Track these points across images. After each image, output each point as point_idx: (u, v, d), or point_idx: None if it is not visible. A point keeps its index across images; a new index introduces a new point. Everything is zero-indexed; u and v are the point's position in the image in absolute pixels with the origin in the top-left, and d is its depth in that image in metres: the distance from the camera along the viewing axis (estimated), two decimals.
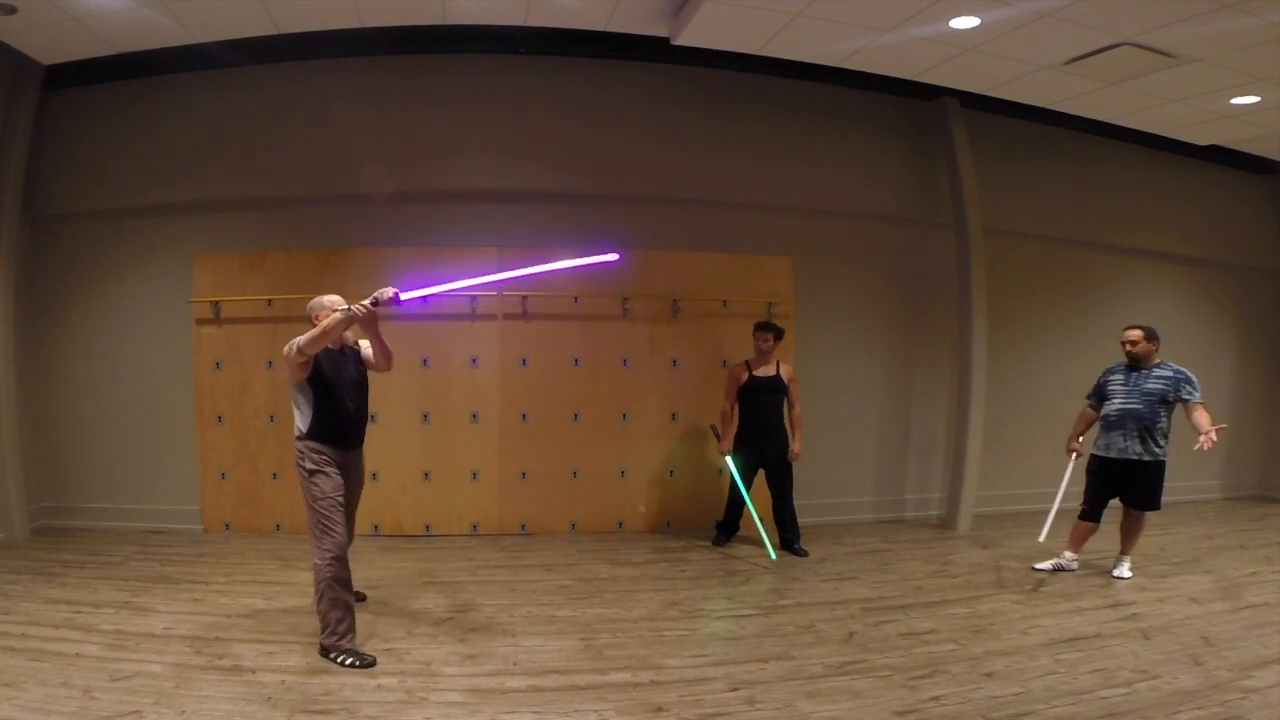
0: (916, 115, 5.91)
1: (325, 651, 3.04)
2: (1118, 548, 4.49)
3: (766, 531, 4.83)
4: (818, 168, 5.70)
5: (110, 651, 3.09)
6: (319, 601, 3.05)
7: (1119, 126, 5.85)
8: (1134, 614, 3.75)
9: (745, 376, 4.90)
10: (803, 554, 4.82)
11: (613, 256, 3.73)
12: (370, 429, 5.19)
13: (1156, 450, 4.25)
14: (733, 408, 4.95)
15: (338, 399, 3.20)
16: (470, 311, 5.23)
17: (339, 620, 3.03)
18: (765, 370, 4.89)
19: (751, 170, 5.55)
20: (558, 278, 5.27)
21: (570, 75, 5.31)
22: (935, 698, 2.80)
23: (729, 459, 4.87)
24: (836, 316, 5.79)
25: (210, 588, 3.99)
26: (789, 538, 4.91)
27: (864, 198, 5.81)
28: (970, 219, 5.66)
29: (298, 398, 3.18)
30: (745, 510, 4.91)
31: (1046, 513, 4.49)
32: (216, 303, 5.18)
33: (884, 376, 5.95)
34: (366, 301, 3.02)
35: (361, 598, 3.67)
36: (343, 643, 3.02)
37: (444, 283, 3.34)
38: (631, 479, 5.46)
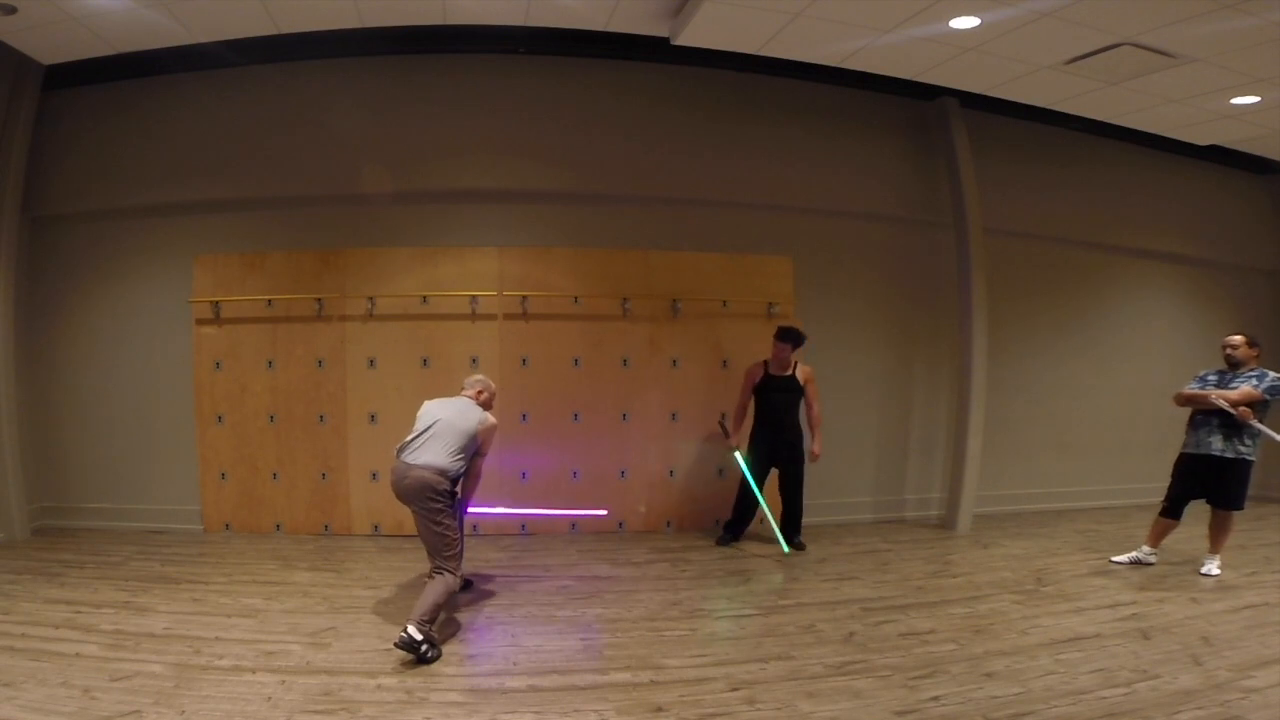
0: (916, 115, 5.91)
1: (415, 638, 3.00)
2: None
3: (780, 528, 4.90)
4: (818, 168, 5.69)
5: (110, 651, 3.09)
6: (434, 599, 3.17)
7: (1119, 126, 5.84)
8: (1134, 614, 3.74)
9: (761, 375, 4.92)
10: (800, 547, 4.89)
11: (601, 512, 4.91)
12: (370, 429, 5.26)
13: (1242, 449, 4.29)
14: (746, 405, 4.97)
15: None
16: (470, 312, 5.23)
17: (437, 616, 3.20)
18: (781, 370, 4.92)
19: (751, 170, 5.54)
20: (557, 277, 5.30)
21: (570, 75, 5.31)
22: (935, 698, 2.80)
23: (738, 456, 4.88)
24: (836, 316, 5.79)
25: (210, 588, 3.98)
26: (790, 532, 4.97)
27: (864, 198, 5.81)
28: (970, 219, 5.66)
29: (465, 450, 3.52)
30: (758, 509, 4.94)
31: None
32: (216, 303, 5.18)
33: (884, 376, 5.95)
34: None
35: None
36: (434, 633, 3.14)
37: None
38: (631, 479, 5.45)
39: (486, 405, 3.77)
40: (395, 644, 3.01)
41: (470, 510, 3.90)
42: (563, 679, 2.94)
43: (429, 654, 3.04)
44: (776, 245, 5.66)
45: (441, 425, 3.48)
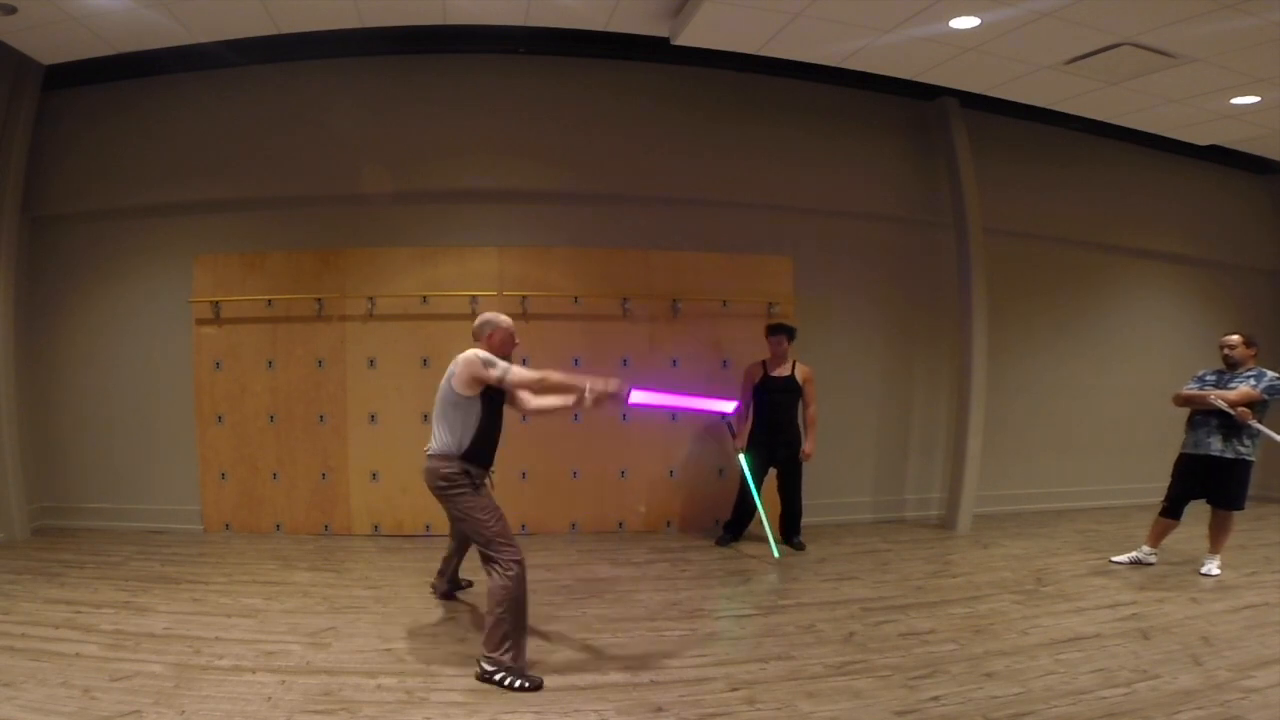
0: (916, 115, 5.91)
1: (484, 669, 2.86)
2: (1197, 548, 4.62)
3: (772, 530, 4.87)
4: (818, 168, 5.69)
5: (110, 651, 3.09)
6: (493, 620, 2.87)
7: (1119, 126, 5.84)
8: (1134, 614, 3.74)
9: (760, 375, 4.92)
10: (800, 547, 4.89)
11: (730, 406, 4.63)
12: (371, 429, 5.26)
13: (1241, 449, 4.29)
14: (747, 406, 4.97)
15: (499, 421, 3.15)
16: (470, 312, 5.23)
17: (515, 642, 2.88)
18: (781, 370, 4.91)
19: (752, 170, 5.54)
20: (557, 277, 5.31)
21: (570, 75, 5.31)
22: (935, 698, 2.80)
23: (743, 458, 4.88)
24: (836, 316, 5.79)
25: (210, 588, 3.98)
26: (789, 531, 4.98)
27: (864, 198, 5.81)
28: (970, 219, 5.66)
29: (454, 414, 2.99)
30: (757, 510, 4.94)
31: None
32: (216, 303, 5.18)
33: (884, 376, 5.95)
34: (595, 389, 2.98)
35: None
36: (514, 664, 2.86)
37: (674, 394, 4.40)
38: (631, 479, 5.45)
39: (501, 348, 3.11)
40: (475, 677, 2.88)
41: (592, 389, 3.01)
42: (563, 679, 2.93)
43: (508, 681, 2.81)
44: (776, 245, 5.66)
45: (436, 404, 3.10)
